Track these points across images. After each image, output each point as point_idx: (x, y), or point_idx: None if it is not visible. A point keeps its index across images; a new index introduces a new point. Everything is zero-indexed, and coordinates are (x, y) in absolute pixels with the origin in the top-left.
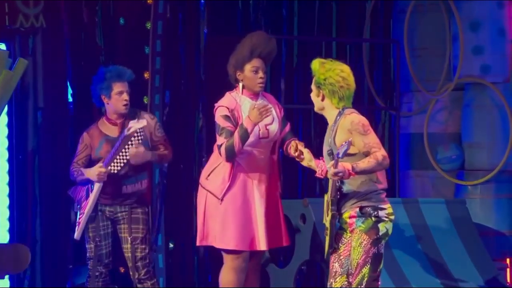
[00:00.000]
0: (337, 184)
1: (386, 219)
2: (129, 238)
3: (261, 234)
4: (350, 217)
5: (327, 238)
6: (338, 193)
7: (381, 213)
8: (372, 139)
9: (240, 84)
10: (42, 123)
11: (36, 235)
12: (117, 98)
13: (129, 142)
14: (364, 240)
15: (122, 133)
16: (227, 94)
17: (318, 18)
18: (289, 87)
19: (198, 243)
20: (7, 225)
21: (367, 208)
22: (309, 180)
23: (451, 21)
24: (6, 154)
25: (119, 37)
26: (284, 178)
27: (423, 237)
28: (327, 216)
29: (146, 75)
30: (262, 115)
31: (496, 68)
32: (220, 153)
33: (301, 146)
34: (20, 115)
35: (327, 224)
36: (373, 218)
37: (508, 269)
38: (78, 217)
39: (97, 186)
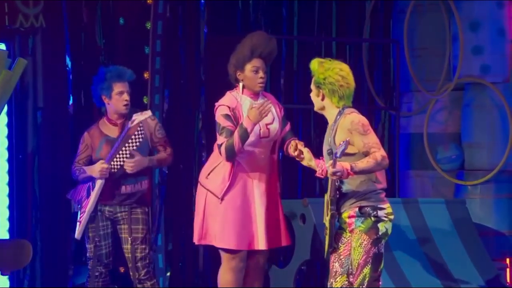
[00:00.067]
0: (336, 183)
1: (386, 218)
2: (129, 239)
3: (261, 233)
4: (349, 217)
5: (327, 238)
6: (337, 192)
7: (380, 213)
8: (372, 139)
9: (241, 84)
10: (42, 123)
11: (36, 235)
12: (117, 98)
13: (130, 141)
14: (364, 240)
15: (124, 129)
16: (228, 93)
17: (318, 18)
18: (289, 87)
19: (196, 242)
20: (7, 225)
21: (366, 208)
22: (309, 180)
23: (451, 21)
24: (6, 154)
25: (119, 37)
26: (284, 178)
27: (423, 237)
28: (327, 215)
29: (146, 75)
30: (261, 114)
31: (496, 68)
32: (220, 153)
33: (300, 146)
34: (20, 115)
35: (327, 224)
36: (372, 218)
37: (508, 269)
38: (79, 216)
39: (98, 184)
